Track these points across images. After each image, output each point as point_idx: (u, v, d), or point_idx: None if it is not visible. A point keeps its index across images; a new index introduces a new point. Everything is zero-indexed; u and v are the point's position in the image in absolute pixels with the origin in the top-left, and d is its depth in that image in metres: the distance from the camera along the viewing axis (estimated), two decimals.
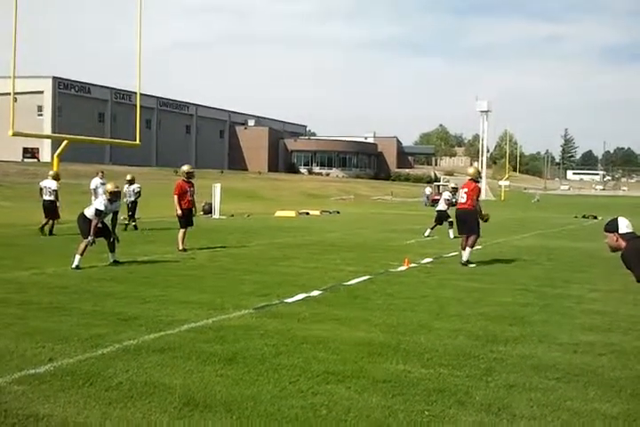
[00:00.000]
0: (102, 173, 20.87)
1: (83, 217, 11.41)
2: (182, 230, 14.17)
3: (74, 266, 10.90)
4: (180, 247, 13.97)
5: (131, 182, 20.34)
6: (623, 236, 4.93)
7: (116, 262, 11.51)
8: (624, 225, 4.97)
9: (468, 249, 12.48)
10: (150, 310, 7.65)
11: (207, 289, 9.24)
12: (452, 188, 20.25)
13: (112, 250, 11.58)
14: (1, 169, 45.12)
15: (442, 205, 19.21)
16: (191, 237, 14.74)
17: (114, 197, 11.49)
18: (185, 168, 14.73)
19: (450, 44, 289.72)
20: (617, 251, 5.02)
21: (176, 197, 14.30)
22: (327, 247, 15.69)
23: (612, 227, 5.01)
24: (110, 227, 11.70)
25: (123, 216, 18.36)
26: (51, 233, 17.36)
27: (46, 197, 17.86)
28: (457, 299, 8.79)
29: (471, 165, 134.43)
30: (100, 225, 11.33)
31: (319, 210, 36.15)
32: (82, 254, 11.07)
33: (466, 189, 12.71)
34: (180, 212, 14.22)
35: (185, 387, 4.82)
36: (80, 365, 5.35)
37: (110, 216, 11.79)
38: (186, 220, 14.30)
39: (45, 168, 39.36)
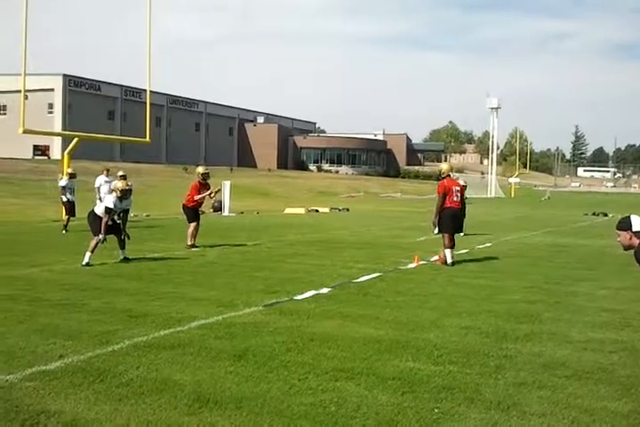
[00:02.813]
0: (108, 170, 20.90)
1: (93, 215, 11.46)
2: (192, 224, 14.22)
3: (84, 263, 10.95)
4: (189, 242, 14.02)
5: (123, 178, 19.99)
6: (637, 233, 4.90)
7: (126, 259, 11.55)
8: (637, 223, 4.95)
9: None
10: (160, 306, 7.68)
11: (217, 286, 9.26)
12: (462, 185, 20.20)
13: (122, 247, 11.62)
14: (11, 166, 45.33)
15: None
16: (201, 234, 14.77)
17: (124, 194, 11.51)
18: (200, 169, 14.89)
19: (460, 39, 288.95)
20: (630, 249, 5.00)
21: (196, 196, 14.44)
22: (336, 244, 15.69)
23: (625, 225, 4.99)
24: (121, 224, 11.73)
25: (133, 213, 18.44)
26: (66, 229, 17.86)
27: (70, 196, 18.63)
28: (466, 296, 8.78)
29: (481, 162, 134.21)
30: (110, 222, 11.38)
31: (328, 207, 36.13)
32: (92, 252, 11.13)
33: (458, 188, 12.57)
34: (200, 196, 14.42)
35: (195, 383, 4.83)
36: (91, 361, 5.37)
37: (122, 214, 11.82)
38: (194, 215, 14.38)
39: (55, 165, 39.55)
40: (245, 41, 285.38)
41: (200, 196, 14.46)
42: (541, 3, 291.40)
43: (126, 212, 11.91)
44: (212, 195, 14.96)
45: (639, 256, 4.86)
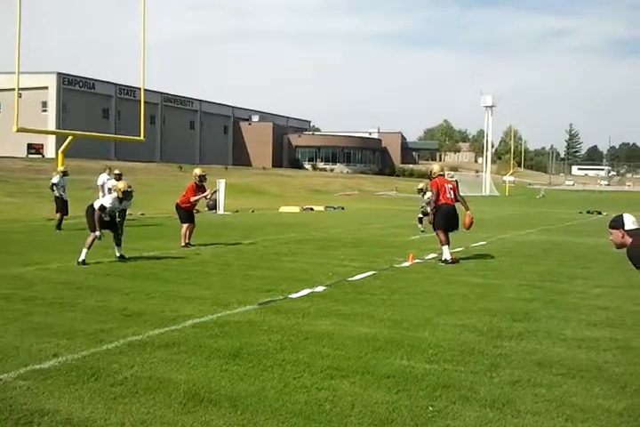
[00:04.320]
0: (109, 168, 20.92)
1: (92, 209, 11.37)
2: (185, 225, 14.24)
3: (80, 260, 10.89)
4: (183, 243, 14.03)
5: (119, 177, 19.54)
6: (629, 232, 4.92)
7: (121, 258, 11.50)
8: (630, 221, 4.96)
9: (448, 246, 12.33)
10: (155, 305, 7.67)
11: (212, 285, 9.25)
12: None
13: (118, 244, 11.55)
14: (5, 165, 45.14)
15: None
16: (196, 233, 14.75)
17: (125, 196, 11.38)
18: (197, 171, 14.87)
19: (454, 37, 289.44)
20: (622, 247, 5.01)
21: (192, 198, 14.49)
22: (331, 243, 15.69)
23: (617, 223, 5.00)
24: (118, 222, 11.66)
25: (128, 212, 18.39)
26: (59, 227, 17.86)
27: (63, 194, 18.66)
28: (461, 294, 8.78)
29: (476, 160, 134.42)
30: (107, 218, 11.33)
31: (323, 206, 36.14)
32: (88, 248, 11.07)
33: (450, 186, 12.67)
34: (196, 198, 14.47)
35: (189, 382, 4.83)
36: (85, 360, 5.36)
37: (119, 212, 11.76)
38: (188, 216, 14.40)
39: (50, 164, 39.44)
40: (241, 39, 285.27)
41: (196, 198, 14.47)
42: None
43: (124, 210, 11.86)
44: (207, 197, 15.01)
45: (632, 254, 4.87)
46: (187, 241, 14.12)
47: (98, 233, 11.08)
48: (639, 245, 4.83)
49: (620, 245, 5.02)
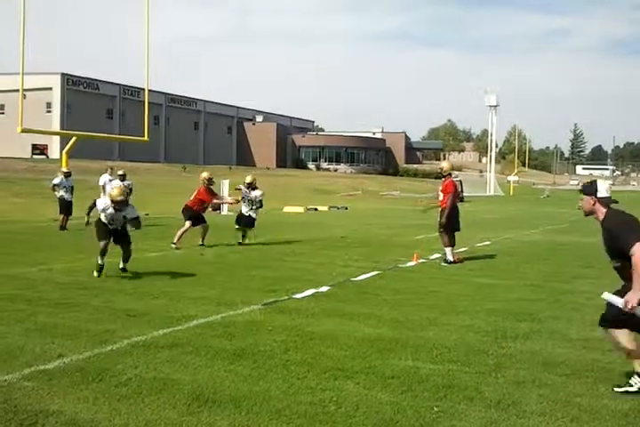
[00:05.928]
0: (112, 169, 20.92)
1: (98, 220, 11.08)
2: (187, 223, 14.22)
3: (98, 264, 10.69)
4: (175, 240, 13.89)
5: (123, 178, 19.53)
6: (601, 200, 4.76)
7: (123, 270, 10.54)
8: (603, 189, 4.78)
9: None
10: (159, 305, 7.67)
11: (216, 285, 9.25)
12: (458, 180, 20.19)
13: (125, 260, 10.93)
14: (10, 165, 45.25)
15: None
16: (199, 233, 14.70)
17: (118, 205, 10.26)
18: (205, 175, 14.93)
19: (459, 37, 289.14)
20: (591, 215, 4.84)
21: (214, 200, 14.92)
22: (335, 243, 15.68)
23: (590, 189, 4.81)
24: (127, 231, 11.40)
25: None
26: (62, 228, 18.01)
27: (67, 195, 18.72)
28: (466, 295, 8.77)
29: (480, 160, 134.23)
30: (112, 227, 11.12)
31: (327, 206, 36.12)
32: (103, 255, 10.66)
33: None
34: (227, 199, 15.53)
35: (194, 383, 4.82)
36: (89, 361, 5.36)
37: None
38: (196, 218, 14.39)
39: (54, 165, 39.50)
40: (244, 39, 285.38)
41: (217, 201, 14.78)
42: None
43: (134, 219, 11.31)
44: (232, 203, 15.29)
45: (610, 228, 4.63)
46: (179, 240, 13.92)
47: (102, 242, 10.70)
48: (617, 219, 4.65)
49: (588, 212, 4.82)
